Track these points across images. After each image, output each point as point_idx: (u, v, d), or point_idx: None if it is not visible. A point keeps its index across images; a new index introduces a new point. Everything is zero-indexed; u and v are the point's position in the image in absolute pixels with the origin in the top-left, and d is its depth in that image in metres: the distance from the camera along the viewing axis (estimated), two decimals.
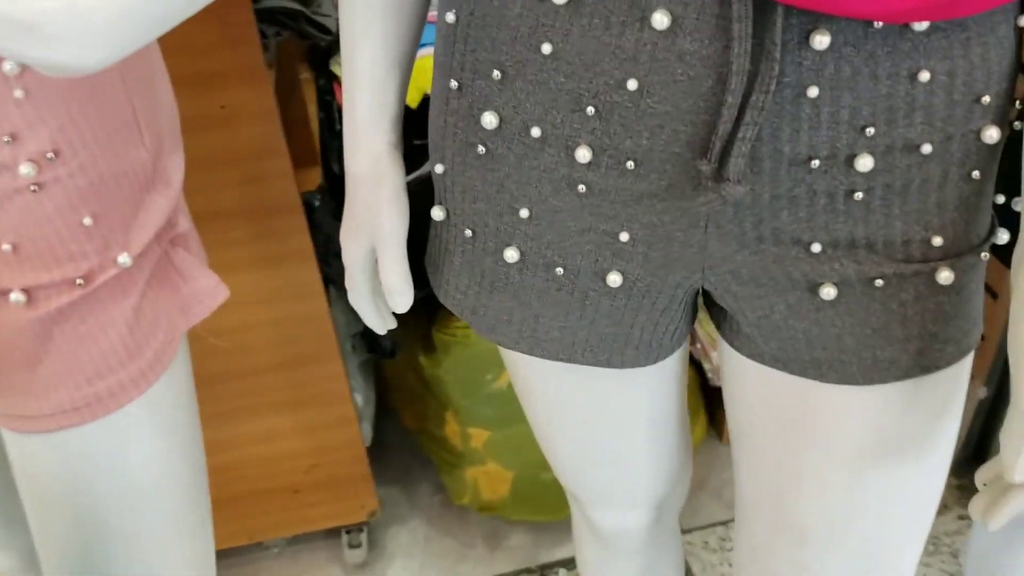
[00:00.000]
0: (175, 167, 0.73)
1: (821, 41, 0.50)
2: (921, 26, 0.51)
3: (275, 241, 1.27)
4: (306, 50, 1.57)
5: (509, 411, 1.52)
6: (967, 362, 0.65)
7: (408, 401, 1.71)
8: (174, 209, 0.73)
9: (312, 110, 1.49)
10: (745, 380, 0.71)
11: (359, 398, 1.59)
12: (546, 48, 0.55)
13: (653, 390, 0.79)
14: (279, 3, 1.25)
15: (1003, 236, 0.62)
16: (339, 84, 1.49)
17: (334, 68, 1.49)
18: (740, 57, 0.50)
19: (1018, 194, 0.65)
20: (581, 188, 0.60)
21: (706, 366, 1.70)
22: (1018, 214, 0.67)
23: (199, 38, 1.05)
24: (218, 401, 1.40)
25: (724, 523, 1.67)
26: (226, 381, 1.39)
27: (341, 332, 1.49)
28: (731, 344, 0.70)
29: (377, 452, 1.69)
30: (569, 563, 1.62)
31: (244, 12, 1.08)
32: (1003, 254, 0.69)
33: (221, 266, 0.81)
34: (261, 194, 1.22)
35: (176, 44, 1.05)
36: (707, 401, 1.80)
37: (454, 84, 0.61)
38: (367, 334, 1.57)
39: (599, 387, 0.76)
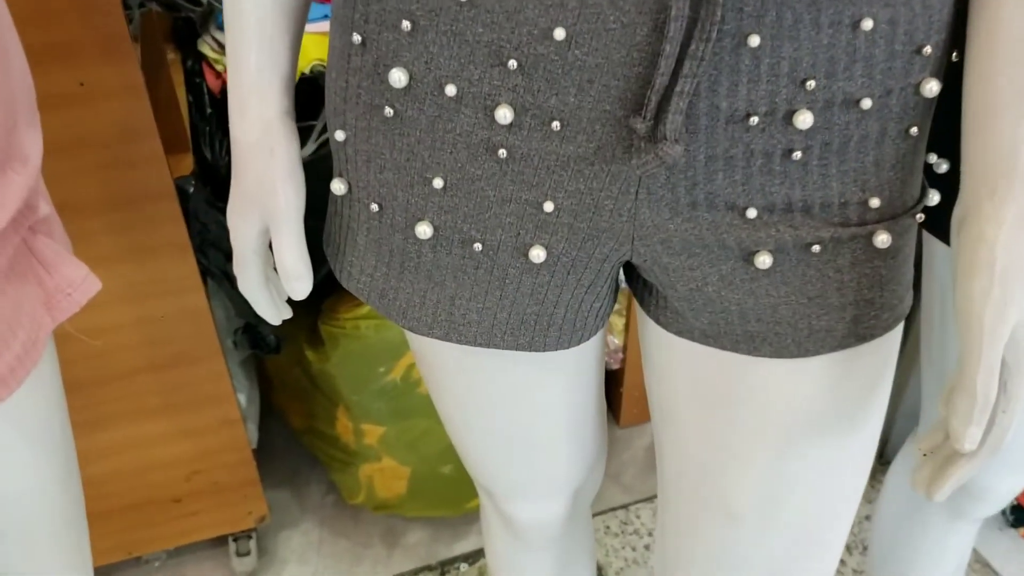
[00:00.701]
0: (32, 142, 0.64)
1: None
2: None
3: (145, 232, 1.17)
4: (170, 28, 1.46)
5: (404, 404, 1.46)
6: (899, 330, 0.63)
7: (295, 399, 1.62)
8: (33, 190, 0.64)
9: (180, 93, 1.39)
10: (671, 358, 0.67)
11: (242, 398, 1.50)
12: None
13: (573, 374, 0.74)
14: None
15: (934, 197, 0.60)
16: (209, 65, 1.39)
17: (203, 48, 1.39)
18: (679, 1, 0.46)
19: (942, 154, 0.63)
20: (501, 153, 0.54)
21: None
22: (940, 175, 0.65)
23: (53, 5, 0.95)
24: (87, 408, 1.29)
25: (624, 507, 1.65)
26: (94, 386, 1.28)
27: (221, 328, 1.40)
28: (657, 321, 0.66)
29: (263, 454, 1.61)
30: (470, 557, 1.58)
31: None
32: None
33: (83, 261, 0.72)
34: (128, 180, 1.12)
35: (26, 12, 0.94)
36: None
37: (357, 39, 0.55)
38: (249, 329, 1.48)
39: (518, 373, 0.71)
